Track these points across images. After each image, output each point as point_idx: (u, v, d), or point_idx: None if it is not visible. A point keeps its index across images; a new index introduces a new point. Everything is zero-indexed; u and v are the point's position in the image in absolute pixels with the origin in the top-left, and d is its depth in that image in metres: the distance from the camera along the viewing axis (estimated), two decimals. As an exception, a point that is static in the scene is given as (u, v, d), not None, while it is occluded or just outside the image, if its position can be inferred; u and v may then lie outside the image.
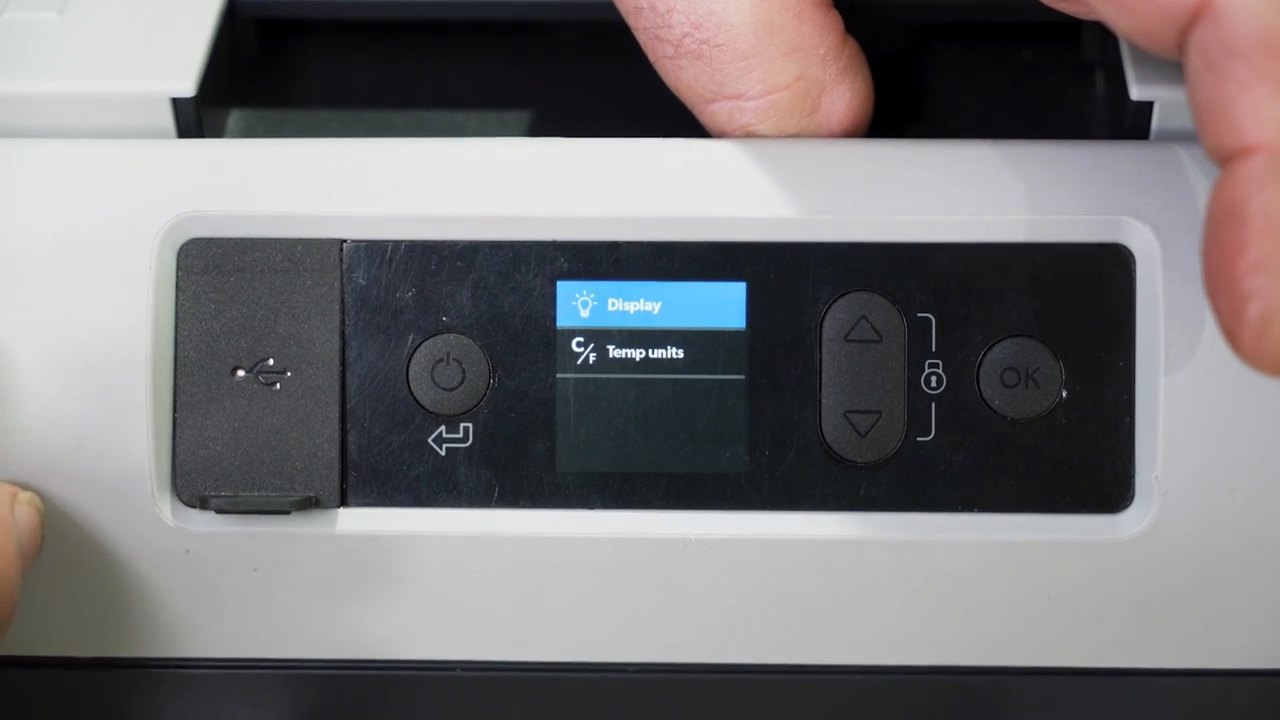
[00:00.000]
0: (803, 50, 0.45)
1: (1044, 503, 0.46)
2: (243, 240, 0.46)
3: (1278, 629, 0.47)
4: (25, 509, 0.46)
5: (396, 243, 0.46)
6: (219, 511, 0.46)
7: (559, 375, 0.46)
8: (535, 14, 0.53)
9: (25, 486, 0.46)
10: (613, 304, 0.46)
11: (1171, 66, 0.47)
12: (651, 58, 0.47)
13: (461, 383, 0.46)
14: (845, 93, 0.46)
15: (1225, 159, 0.39)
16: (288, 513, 0.46)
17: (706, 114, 0.46)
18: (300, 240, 0.46)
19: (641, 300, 0.46)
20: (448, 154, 0.46)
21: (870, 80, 0.47)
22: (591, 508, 0.46)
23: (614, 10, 0.51)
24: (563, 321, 0.46)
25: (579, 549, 0.46)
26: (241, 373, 0.46)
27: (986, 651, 0.48)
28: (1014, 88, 0.53)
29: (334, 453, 0.46)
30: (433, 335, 0.46)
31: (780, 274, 0.46)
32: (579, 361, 0.46)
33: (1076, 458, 0.46)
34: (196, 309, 0.46)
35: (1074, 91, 0.53)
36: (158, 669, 0.48)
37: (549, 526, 0.46)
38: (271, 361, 0.46)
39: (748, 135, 0.46)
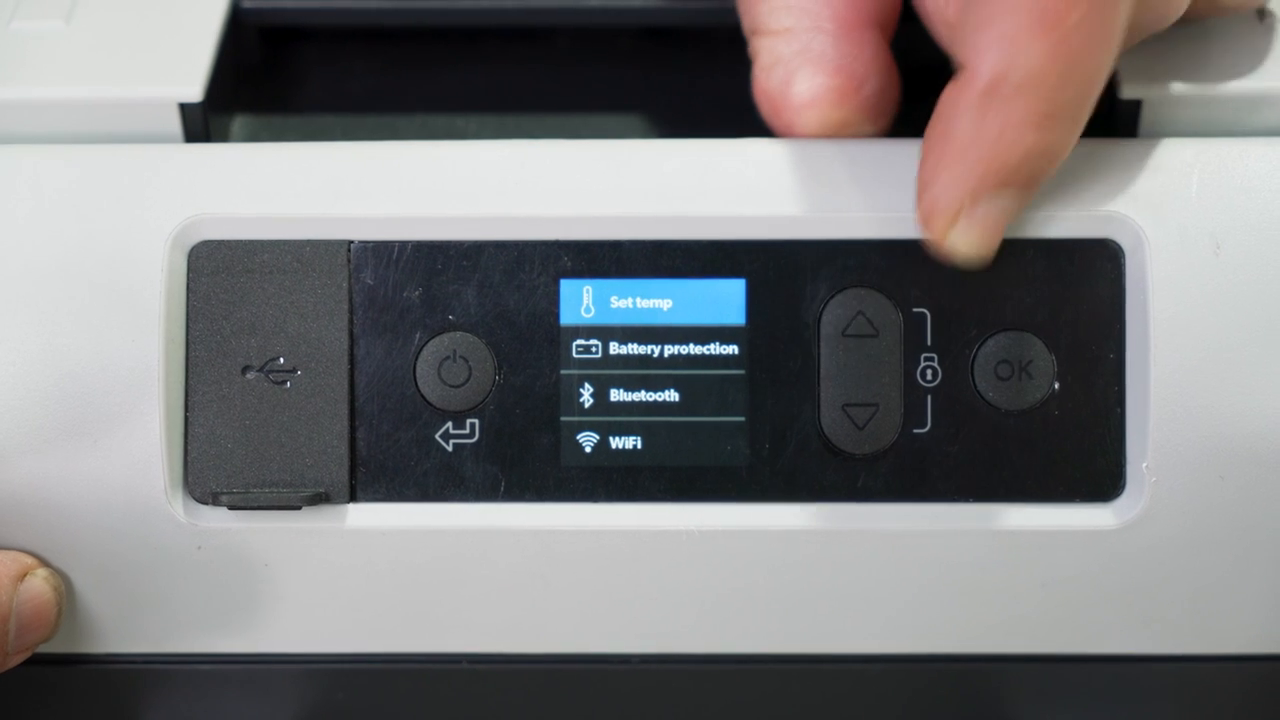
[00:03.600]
0: None
1: (1037, 492, 0.47)
2: (252, 242, 0.46)
3: (1268, 614, 0.48)
4: (39, 585, 0.46)
5: (403, 243, 0.46)
6: (231, 508, 0.46)
7: (563, 371, 0.47)
8: (531, 20, 0.54)
9: (39, 486, 0.46)
10: (615, 301, 0.47)
11: (1160, 67, 0.48)
12: None
13: (468, 380, 0.47)
14: None
15: None
16: (298, 508, 0.46)
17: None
18: (309, 241, 0.46)
19: (643, 297, 0.47)
20: (453, 156, 0.47)
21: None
22: (596, 501, 0.47)
23: (606, 16, 0.52)
24: (566, 319, 0.47)
25: (584, 541, 0.47)
26: (252, 372, 0.47)
27: (981, 639, 0.48)
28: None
29: (343, 449, 0.47)
30: (439, 333, 0.47)
31: (779, 271, 0.46)
32: (582, 358, 0.47)
33: (1069, 448, 0.46)
34: (207, 310, 0.46)
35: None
36: (171, 665, 0.49)
37: (555, 520, 0.47)
38: (281, 360, 0.47)
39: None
